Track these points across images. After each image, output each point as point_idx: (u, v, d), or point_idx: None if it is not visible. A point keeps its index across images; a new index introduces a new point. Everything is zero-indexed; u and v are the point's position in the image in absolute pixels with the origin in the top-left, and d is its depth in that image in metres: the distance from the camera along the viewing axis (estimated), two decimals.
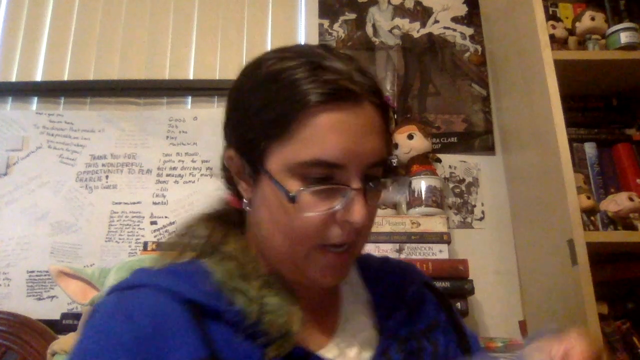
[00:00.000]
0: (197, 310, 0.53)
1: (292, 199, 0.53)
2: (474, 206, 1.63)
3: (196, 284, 0.55)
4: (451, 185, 1.65)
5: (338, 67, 0.55)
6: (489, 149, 1.69)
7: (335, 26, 1.80)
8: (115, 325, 0.51)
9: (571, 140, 1.38)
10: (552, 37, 1.38)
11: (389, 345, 0.61)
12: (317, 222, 0.54)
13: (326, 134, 0.53)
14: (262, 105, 0.56)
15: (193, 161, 1.66)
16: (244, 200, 0.61)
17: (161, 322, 0.51)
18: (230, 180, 0.65)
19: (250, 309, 0.54)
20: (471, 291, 1.32)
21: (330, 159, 0.53)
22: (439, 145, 1.68)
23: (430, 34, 1.80)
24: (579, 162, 1.44)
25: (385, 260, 0.76)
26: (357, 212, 0.54)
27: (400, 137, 1.54)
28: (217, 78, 1.75)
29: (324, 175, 0.54)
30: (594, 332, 1.09)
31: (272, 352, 0.52)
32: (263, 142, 0.55)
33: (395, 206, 1.52)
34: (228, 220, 0.65)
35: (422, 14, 1.83)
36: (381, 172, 0.58)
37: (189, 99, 1.76)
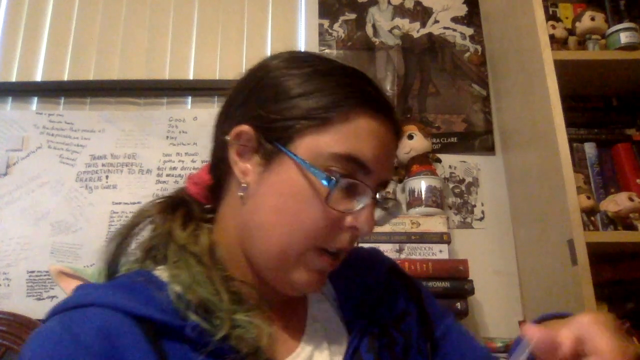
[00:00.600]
0: (151, 328, 0.48)
1: (332, 184, 0.51)
2: (474, 206, 1.63)
3: (150, 298, 0.50)
4: (451, 185, 1.65)
5: (377, 83, 0.59)
6: (489, 149, 1.69)
7: (335, 26, 1.80)
8: (62, 351, 0.45)
9: (571, 140, 1.38)
10: (552, 37, 1.38)
11: (359, 344, 0.59)
12: (327, 219, 0.53)
13: (366, 136, 0.54)
14: (307, 91, 0.55)
15: (193, 161, 1.66)
16: (242, 184, 0.56)
17: (113, 344, 0.46)
18: (221, 161, 0.59)
19: (220, 323, 0.50)
20: (471, 291, 1.32)
21: (363, 159, 0.53)
22: (439, 145, 1.68)
23: (430, 34, 1.80)
24: (579, 162, 1.44)
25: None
26: (369, 220, 0.54)
27: None
28: (217, 78, 1.75)
29: (347, 174, 0.53)
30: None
31: None
32: (298, 124, 0.54)
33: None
34: (191, 213, 0.60)
35: (422, 14, 1.83)
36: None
37: (189, 99, 1.76)
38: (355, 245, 0.61)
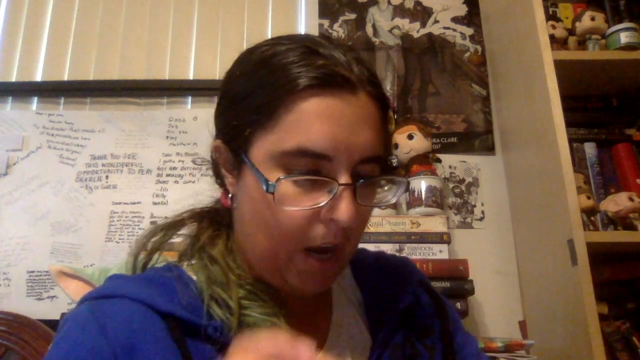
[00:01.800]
0: (175, 325, 0.49)
1: (271, 188, 0.48)
2: (474, 206, 1.63)
3: (175, 294, 0.51)
4: (451, 185, 1.65)
5: (334, 54, 0.51)
6: (489, 149, 1.69)
7: (335, 26, 1.80)
8: (88, 337, 0.47)
9: (571, 140, 1.38)
10: (552, 37, 1.38)
11: (382, 353, 0.57)
12: (299, 218, 0.49)
13: (313, 121, 0.48)
14: (249, 91, 0.52)
15: (193, 161, 1.66)
16: (229, 195, 0.57)
17: (137, 336, 0.47)
18: (218, 174, 0.61)
19: (228, 321, 0.50)
20: (471, 291, 1.32)
21: (316, 148, 0.48)
22: (439, 145, 1.68)
23: (430, 34, 1.80)
24: (579, 162, 1.44)
25: (379, 257, 0.70)
26: (344, 209, 0.49)
27: (400, 137, 1.54)
28: (217, 78, 1.74)
29: (309, 168, 0.49)
30: (593, 332, 1.09)
31: None
32: (248, 129, 0.51)
33: (395, 206, 1.52)
34: (218, 220, 0.61)
35: (422, 14, 1.83)
36: (377, 171, 0.53)
37: (189, 99, 1.76)
38: (359, 244, 0.59)
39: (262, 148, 0.51)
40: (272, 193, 0.49)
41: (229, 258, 0.55)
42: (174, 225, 0.61)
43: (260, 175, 0.50)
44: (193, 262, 0.56)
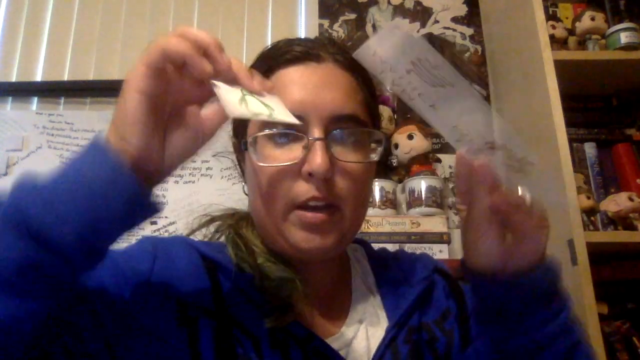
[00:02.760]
0: (212, 266, 0.57)
1: (245, 145, 0.56)
2: None
3: (219, 250, 0.59)
4: (451, 185, 1.65)
5: (311, 39, 0.62)
6: None
7: (335, 26, 1.80)
8: (139, 249, 0.56)
9: (571, 140, 1.38)
10: (552, 37, 1.38)
11: (397, 335, 0.60)
12: (280, 174, 0.54)
13: (286, 87, 0.56)
14: None
15: (193, 161, 1.64)
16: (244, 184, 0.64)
17: (177, 257, 0.57)
18: (242, 171, 0.67)
19: (254, 273, 0.57)
20: None
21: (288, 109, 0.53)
22: (439, 145, 1.68)
23: (430, 34, 1.80)
24: (579, 162, 1.44)
25: (397, 250, 0.77)
26: (317, 159, 0.52)
27: (400, 137, 1.54)
28: None
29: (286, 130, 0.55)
30: (593, 332, 1.09)
31: (270, 322, 0.54)
32: None
33: (395, 206, 1.52)
34: (243, 215, 0.68)
35: (422, 14, 1.83)
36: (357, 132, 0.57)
37: None
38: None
39: (253, 125, 0.58)
40: (247, 150, 0.56)
41: (252, 235, 0.62)
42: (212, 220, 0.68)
43: (244, 142, 0.57)
44: (223, 238, 0.64)
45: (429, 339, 0.62)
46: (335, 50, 0.60)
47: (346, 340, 0.59)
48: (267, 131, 0.55)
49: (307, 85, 0.56)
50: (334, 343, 0.58)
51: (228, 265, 0.57)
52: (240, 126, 0.61)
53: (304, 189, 0.54)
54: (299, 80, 0.57)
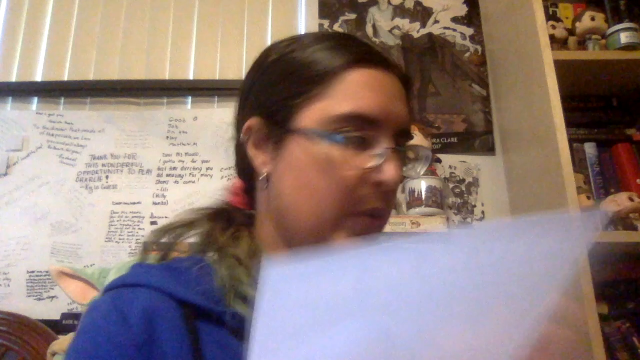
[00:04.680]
0: (190, 312, 0.51)
1: (336, 138, 0.52)
2: (474, 206, 1.63)
3: (195, 282, 0.53)
4: (451, 185, 1.65)
5: (367, 41, 0.61)
6: (489, 149, 1.69)
7: (335, 26, 1.80)
8: (110, 325, 0.49)
9: (571, 140, 1.38)
10: (552, 37, 1.38)
11: None
12: (350, 179, 0.52)
13: (363, 89, 0.54)
14: (298, 66, 0.56)
15: (193, 161, 1.66)
16: (261, 177, 0.58)
17: (154, 326, 0.49)
18: (242, 163, 0.62)
19: (248, 314, 0.50)
20: None
21: (367, 113, 0.53)
22: (439, 145, 1.68)
23: (430, 34, 1.80)
24: (579, 162, 1.44)
25: None
26: (392, 171, 0.52)
27: None
28: (217, 78, 1.75)
29: (357, 133, 0.53)
30: (593, 332, 1.09)
31: None
32: (298, 99, 0.55)
33: (395, 206, 1.52)
34: (231, 219, 0.62)
35: (422, 14, 1.83)
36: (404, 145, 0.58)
37: (189, 99, 1.76)
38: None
39: (313, 115, 0.54)
40: (341, 145, 0.52)
41: (253, 260, 0.56)
42: (187, 225, 0.61)
43: (323, 132, 0.53)
44: (215, 257, 0.57)
45: None
46: (390, 59, 0.59)
47: None
48: (352, 133, 0.52)
49: (384, 92, 0.55)
50: None
51: (215, 309, 0.51)
52: (280, 107, 0.56)
53: (367, 197, 0.53)
54: (374, 84, 0.55)
